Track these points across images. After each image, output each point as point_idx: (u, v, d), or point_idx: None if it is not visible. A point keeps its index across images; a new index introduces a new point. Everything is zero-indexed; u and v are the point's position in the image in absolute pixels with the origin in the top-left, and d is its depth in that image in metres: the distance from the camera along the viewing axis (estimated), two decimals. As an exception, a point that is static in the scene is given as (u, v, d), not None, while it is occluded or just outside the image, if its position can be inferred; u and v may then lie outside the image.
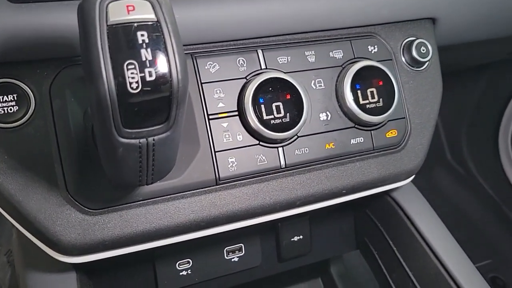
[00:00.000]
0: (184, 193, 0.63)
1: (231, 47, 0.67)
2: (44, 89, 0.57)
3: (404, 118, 0.75)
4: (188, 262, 0.87)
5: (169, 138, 0.46)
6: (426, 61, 0.77)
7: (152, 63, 0.41)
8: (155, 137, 0.45)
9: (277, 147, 0.67)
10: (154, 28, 0.42)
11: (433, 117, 0.79)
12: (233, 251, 0.91)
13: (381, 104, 0.70)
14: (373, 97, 0.70)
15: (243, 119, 0.65)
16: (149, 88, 0.41)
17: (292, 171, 0.69)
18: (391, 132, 0.74)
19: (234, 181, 0.65)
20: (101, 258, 0.63)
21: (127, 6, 0.41)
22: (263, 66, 0.67)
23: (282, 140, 0.67)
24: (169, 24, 0.42)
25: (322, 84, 0.70)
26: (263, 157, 0.66)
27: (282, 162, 0.67)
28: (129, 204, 0.61)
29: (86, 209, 0.59)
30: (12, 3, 0.53)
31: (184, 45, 0.64)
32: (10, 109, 0.56)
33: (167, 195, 0.62)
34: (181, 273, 0.87)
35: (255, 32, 0.68)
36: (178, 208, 0.63)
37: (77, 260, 0.62)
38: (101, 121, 0.43)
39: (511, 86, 1.59)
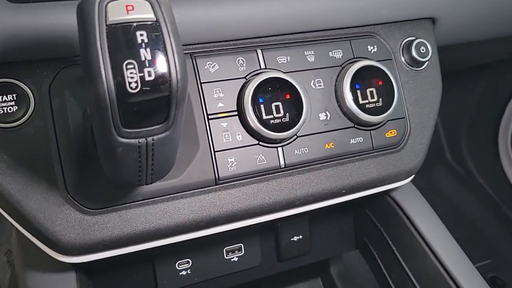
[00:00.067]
0: (184, 193, 0.63)
1: (231, 47, 0.67)
2: (44, 89, 0.57)
3: (404, 118, 0.75)
4: (188, 262, 0.87)
5: (169, 138, 0.46)
6: (426, 61, 0.77)
7: (151, 63, 0.41)
8: (155, 137, 0.45)
9: (276, 147, 0.67)
10: (153, 28, 0.42)
11: (432, 117, 0.79)
12: (233, 251, 0.91)
13: (380, 104, 0.70)
14: (372, 97, 0.70)
15: (242, 119, 0.65)
16: (148, 88, 0.41)
17: (291, 171, 0.69)
18: (391, 132, 0.74)
19: (233, 181, 0.65)
20: (101, 258, 0.63)
21: (126, 6, 0.41)
22: (262, 66, 0.67)
23: (281, 140, 0.67)
24: (168, 24, 0.42)
25: (322, 84, 0.70)
26: (263, 157, 0.66)
27: (282, 162, 0.67)
28: (129, 204, 0.61)
29: (86, 209, 0.59)
30: (12, 3, 0.53)
31: (183, 45, 0.64)
32: (10, 109, 0.56)
33: (166, 195, 0.62)
34: (180, 273, 0.87)
35: (254, 32, 0.68)
36: (178, 208, 0.63)
37: (76, 260, 0.62)
38: (100, 121, 0.43)
39: (511, 86, 1.59)
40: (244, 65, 0.66)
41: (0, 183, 0.56)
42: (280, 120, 0.65)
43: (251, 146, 0.65)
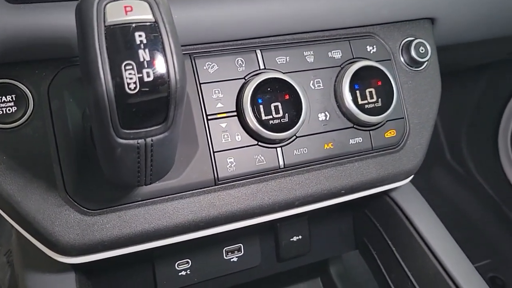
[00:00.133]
0: (183, 193, 0.63)
1: (230, 47, 0.67)
2: (43, 90, 0.57)
3: (403, 118, 0.75)
4: (187, 262, 0.87)
5: (167, 139, 0.46)
6: (425, 61, 0.77)
7: (150, 63, 0.41)
8: (153, 138, 0.45)
9: (275, 147, 0.67)
10: (152, 29, 0.42)
11: (432, 117, 0.79)
12: (232, 251, 0.91)
13: (379, 104, 0.70)
14: (371, 97, 0.70)
15: (241, 119, 0.65)
16: (147, 89, 0.41)
17: (290, 171, 0.69)
18: (390, 132, 0.74)
19: (233, 181, 0.65)
20: (100, 259, 0.63)
21: (125, 7, 0.41)
22: (261, 66, 0.67)
23: (280, 141, 0.67)
24: (167, 24, 0.42)
25: (321, 84, 0.70)
26: (262, 158, 0.66)
27: (281, 162, 0.67)
28: (128, 205, 0.61)
29: (85, 209, 0.59)
30: (10, 3, 0.53)
31: (182, 46, 0.64)
32: (9, 110, 0.56)
33: (166, 196, 0.62)
34: (180, 273, 0.87)
35: (253, 32, 0.68)
36: (177, 209, 0.63)
37: (76, 261, 0.62)
38: (99, 122, 0.43)
39: (511, 86, 1.59)
40: (243, 65, 0.66)
41: (-1, 183, 0.56)
42: (279, 120, 0.65)
43: (250, 147, 0.65)
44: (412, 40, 0.76)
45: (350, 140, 0.71)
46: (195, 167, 0.63)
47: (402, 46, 0.77)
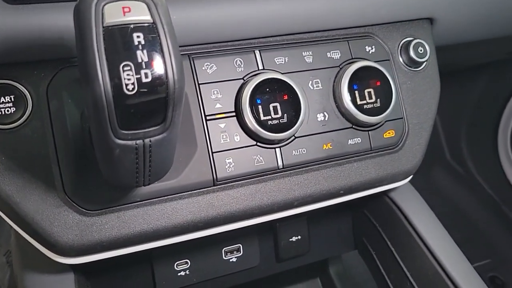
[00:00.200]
0: (182, 194, 0.63)
1: (229, 48, 0.67)
2: (41, 90, 0.57)
3: (402, 118, 0.75)
4: (186, 263, 0.87)
5: (166, 140, 0.46)
6: (424, 61, 0.77)
7: (148, 64, 0.41)
8: (152, 139, 0.45)
9: (274, 148, 0.67)
10: (150, 30, 0.42)
11: (431, 117, 0.79)
12: (231, 252, 0.91)
13: (378, 104, 0.70)
14: (370, 98, 0.70)
15: (240, 120, 0.65)
16: (145, 90, 0.41)
17: (289, 171, 0.69)
18: (389, 133, 0.74)
19: (231, 182, 0.65)
20: (99, 259, 0.63)
21: (123, 8, 0.41)
22: (260, 67, 0.67)
23: (279, 141, 0.67)
24: (165, 25, 0.42)
25: (320, 85, 0.70)
26: (261, 158, 0.66)
27: (280, 163, 0.67)
28: (127, 205, 0.61)
29: (84, 210, 0.59)
30: (8, 4, 0.53)
31: (181, 46, 0.64)
32: (7, 110, 0.56)
33: (164, 196, 0.62)
34: (179, 274, 0.87)
35: (252, 32, 0.68)
36: (176, 209, 0.63)
37: (74, 261, 0.62)
38: (97, 123, 0.43)
39: (510, 86, 1.59)
40: (242, 66, 0.66)
41: (-2, 184, 0.56)
42: (278, 121, 0.65)
43: (249, 147, 0.65)
44: (411, 40, 0.76)
45: (349, 140, 0.71)
46: (194, 167, 0.63)
47: (401, 46, 0.77)
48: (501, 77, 1.62)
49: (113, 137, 0.43)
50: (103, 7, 0.41)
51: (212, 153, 0.64)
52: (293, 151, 0.68)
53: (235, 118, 0.65)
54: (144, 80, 0.41)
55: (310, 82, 0.70)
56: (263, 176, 0.67)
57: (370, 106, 0.70)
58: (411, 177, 0.81)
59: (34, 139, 0.57)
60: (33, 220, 0.58)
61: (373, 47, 0.74)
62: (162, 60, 0.42)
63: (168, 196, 0.63)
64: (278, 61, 0.68)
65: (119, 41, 0.41)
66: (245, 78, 0.66)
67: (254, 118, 0.64)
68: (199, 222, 0.65)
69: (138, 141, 0.45)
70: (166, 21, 0.42)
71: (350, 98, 0.69)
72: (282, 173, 0.68)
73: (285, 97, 0.65)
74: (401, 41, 0.77)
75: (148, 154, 0.47)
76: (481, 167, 1.71)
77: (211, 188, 0.65)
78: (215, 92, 0.64)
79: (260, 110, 0.64)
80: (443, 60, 0.83)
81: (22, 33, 0.53)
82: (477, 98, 1.69)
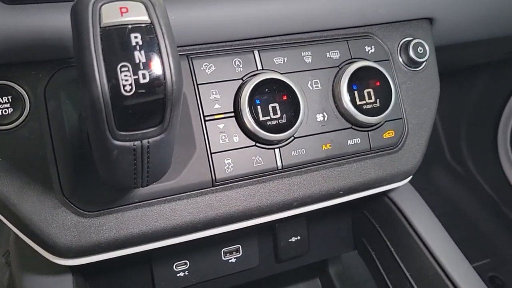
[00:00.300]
0: (180, 194, 0.63)
1: (227, 48, 0.67)
2: (39, 91, 0.57)
3: (401, 118, 0.75)
4: (185, 264, 0.87)
5: (164, 141, 0.46)
6: (423, 61, 0.77)
7: (146, 65, 0.41)
8: (150, 140, 0.45)
9: (273, 148, 0.67)
10: (147, 30, 0.41)
11: (430, 118, 0.78)
12: (231, 252, 0.90)
13: (378, 104, 0.70)
14: (370, 98, 0.70)
15: (239, 120, 0.65)
16: (143, 91, 0.41)
17: (288, 172, 0.68)
18: (388, 133, 0.74)
19: (230, 182, 0.65)
20: (97, 260, 0.63)
21: (120, 8, 0.41)
22: (259, 67, 0.67)
23: (278, 141, 0.66)
24: (162, 26, 0.42)
25: (319, 85, 0.70)
26: (260, 159, 0.66)
27: (279, 163, 0.67)
28: (125, 206, 0.60)
29: (82, 211, 0.58)
30: (6, 4, 0.53)
31: (179, 46, 0.64)
32: (5, 111, 0.56)
33: (163, 197, 0.62)
34: (178, 275, 0.87)
35: (251, 32, 0.67)
36: (174, 210, 0.63)
37: (73, 263, 0.62)
38: (95, 124, 0.43)
39: (510, 85, 1.59)
40: (241, 66, 0.66)
41: (-5, 185, 0.56)
42: (277, 121, 0.64)
43: (248, 148, 0.65)
44: (411, 40, 0.76)
45: (348, 140, 0.71)
46: (193, 168, 0.63)
47: (401, 46, 0.77)
48: (500, 77, 1.62)
49: (111, 138, 0.43)
50: (100, 8, 0.40)
51: (211, 153, 0.63)
52: (292, 151, 0.68)
53: (234, 118, 0.65)
54: (142, 81, 0.41)
55: (309, 82, 0.69)
56: (262, 176, 0.67)
57: (369, 106, 0.70)
58: (410, 177, 0.81)
59: (32, 140, 0.57)
60: (31, 222, 0.57)
61: (372, 47, 0.74)
62: (160, 60, 0.41)
63: (167, 197, 0.62)
64: (277, 61, 0.68)
65: (117, 41, 0.40)
66: (244, 78, 0.66)
67: (253, 118, 0.63)
68: (198, 223, 0.64)
69: (136, 142, 0.44)
70: (164, 21, 0.42)
71: (349, 98, 0.69)
72: (281, 174, 0.68)
73: (284, 98, 0.65)
74: (401, 41, 0.77)
75: (146, 155, 0.46)
76: (481, 167, 1.71)
77: (210, 189, 0.64)
78: (214, 92, 0.64)
79: (259, 110, 0.64)
80: (442, 60, 0.83)
81: (20, 34, 0.53)
82: (476, 98, 1.69)
